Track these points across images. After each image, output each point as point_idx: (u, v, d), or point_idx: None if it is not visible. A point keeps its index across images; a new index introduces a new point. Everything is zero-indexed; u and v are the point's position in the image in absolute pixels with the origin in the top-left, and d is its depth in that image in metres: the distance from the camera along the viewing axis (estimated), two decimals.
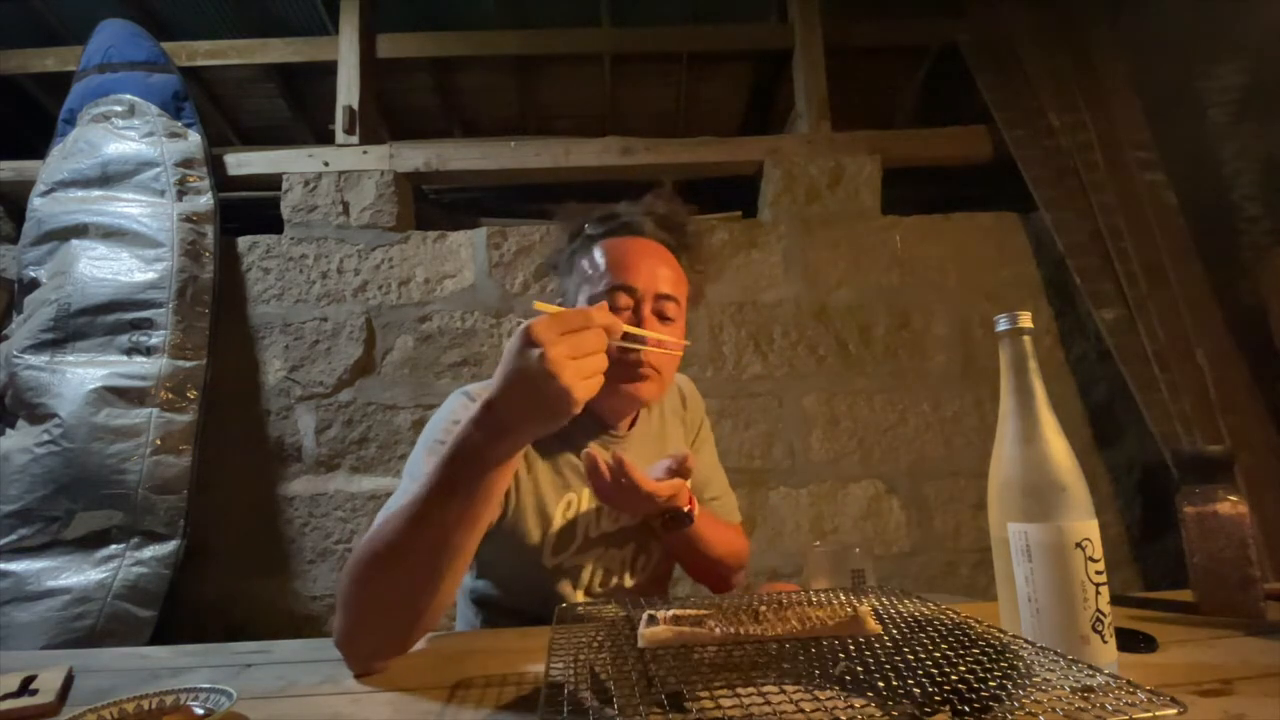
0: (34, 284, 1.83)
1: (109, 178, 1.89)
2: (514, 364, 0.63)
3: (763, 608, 0.63)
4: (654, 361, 0.89)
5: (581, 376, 0.62)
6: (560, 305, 0.90)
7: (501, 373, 0.64)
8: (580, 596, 0.94)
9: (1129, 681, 0.42)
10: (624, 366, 0.88)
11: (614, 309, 0.88)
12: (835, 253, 2.00)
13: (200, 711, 0.57)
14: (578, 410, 0.63)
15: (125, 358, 1.76)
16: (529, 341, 0.61)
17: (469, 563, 0.73)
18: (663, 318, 0.91)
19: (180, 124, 1.97)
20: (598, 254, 0.93)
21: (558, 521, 0.92)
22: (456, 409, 0.90)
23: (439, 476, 0.66)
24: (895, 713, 0.44)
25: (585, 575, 0.94)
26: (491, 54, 2.25)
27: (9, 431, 1.74)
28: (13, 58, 2.18)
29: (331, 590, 1.82)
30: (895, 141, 2.11)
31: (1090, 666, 0.45)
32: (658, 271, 0.92)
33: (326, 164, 2.02)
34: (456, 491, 0.65)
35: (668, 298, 0.91)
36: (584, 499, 0.94)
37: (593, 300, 0.90)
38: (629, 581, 0.98)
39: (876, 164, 2.05)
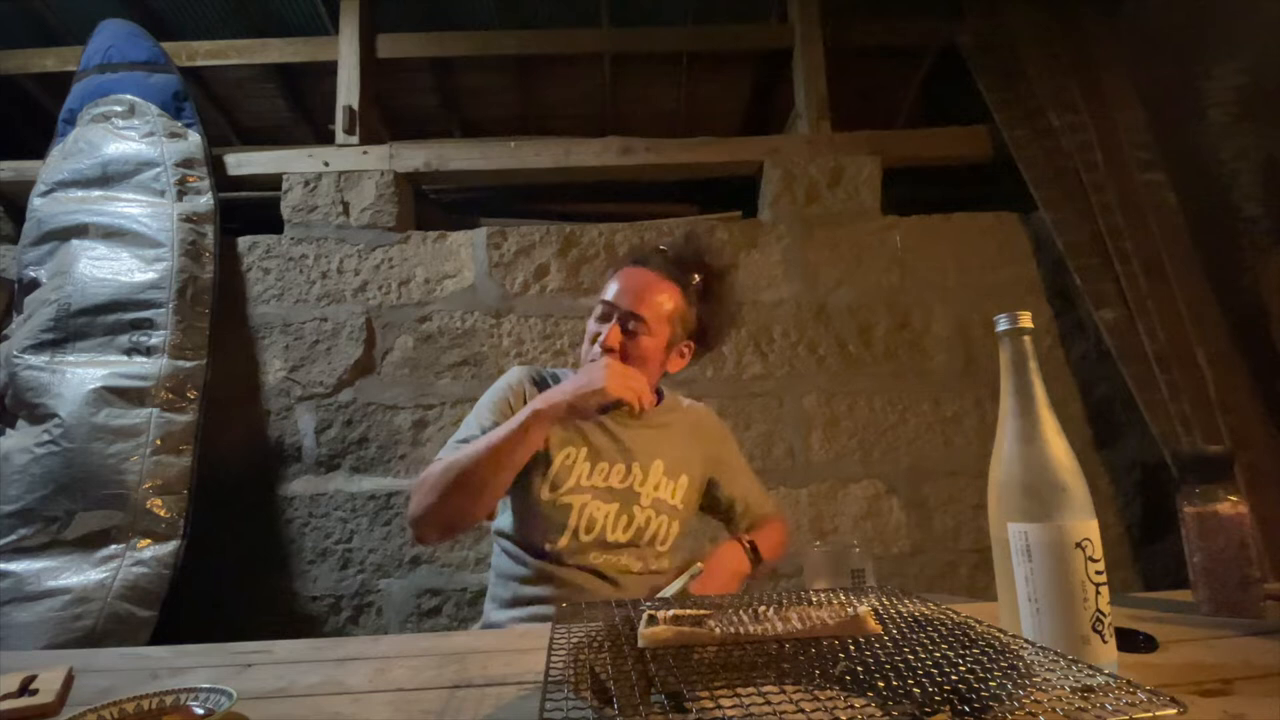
0: (34, 284, 1.82)
1: (109, 178, 1.89)
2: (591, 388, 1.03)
3: (763, 608, 0.63)
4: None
5: (623, 377, 1.03)
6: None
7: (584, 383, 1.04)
8: (567, 539, 1.09)
9: (1129, 681, 0.42)
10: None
11: (599, 318, 1.16)
12: (835, 253, 2.00)
13: (200, 711, 0.57)
14: (604, 393, 1.02)
15: (125, 358, 1.76)
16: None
17: (506, 483, 1.06)
18: (625, 330, 1.12)
19: (180, 124, 1.97)
20: (609, 277, 1.20)
21: (556, 464, 1.12)
22: (513, 379, 1.19)
23: (515, 420, 1.02)
24: (895, 713, 0.44)
25: (573, 516, 1.10)
26: (491, 54, 2.24)
27: (9, 431, 1.74)
28: (13, 58, 2.18)
29: (330, 590, 1.82)
30: (895, 141, 2.11)
31: (1090, 666, 0.45)
32: (635, 294, 1.14)
33: (326, 164, 2.02)
34: (519, 429, 1.01)
35: (636, 317, 1.12)
36: (580, 455, 1.14)
37: (594, 310, 1.17)
38: (611, 536, 1.12)
39: (876, 164, 2.05)
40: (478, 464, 1.01)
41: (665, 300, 1.15)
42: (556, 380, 1.19)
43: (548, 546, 1.10)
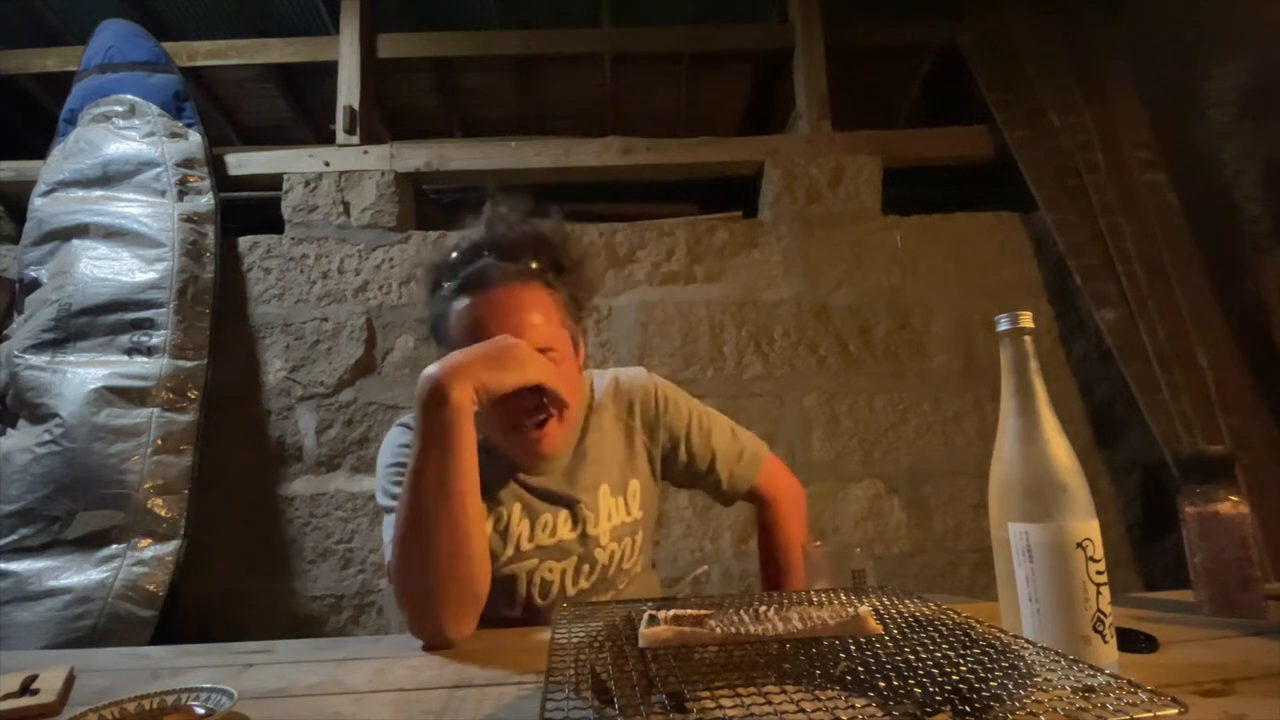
0: (35, 284, 1.83)
1: (110, 178, 1.89)
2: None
3: (763, 608, 0.63)
4: (539, 420, 0.90)
5: (542, 363, 0.85)
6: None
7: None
8: (520, 610, 0.95)
9: (1130, 681, 0.42)
10: (516, 430, 0.90)
11: None
12: (835, 253, 2.00)
13: (201, 711, 0.57)
14: (525, 372, 0.83)
15: (126, 358, 1.76)
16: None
17: (479, 513, 0.82)
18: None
19: (181, 124, 1.97)
20: (456, 322, 0.91)
21: (486, 532, 0.91)
22: (406, 438, 0.94)
23: (419, 430, 0.80)
24: (896, 713, 0.44)
25: (521, 586, 0.94)
26: (491, 54, 2.25)
27: (10, 431, 1.74)
28: (13, 58, 2.18)
29: (331, 590, 1.82)
30: (896, 141, 2.11)
31: (1091, 666, 0.45)
32: (527, 329, 0.89)
33: (327, 164, 2.02)
34: (431, 428, 0.79)
35: (544, 350, 0.89)
36: (514, 514, 0.95)
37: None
38: (573, 589, 0.97)
39: (877, 164, 2.05)
40: (425, 506, 0.78)
41: (543, 314, 0.92)
42: None
43: (505, 614, 0.94)
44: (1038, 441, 0.60)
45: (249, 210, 2.11)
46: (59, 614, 1.57)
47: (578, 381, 0.97)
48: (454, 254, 0.95)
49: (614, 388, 1.06)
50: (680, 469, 1.08)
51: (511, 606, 0.95)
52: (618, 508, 1.00)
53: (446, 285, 0.94)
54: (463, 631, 0.80)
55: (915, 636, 0.55)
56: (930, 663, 0.49)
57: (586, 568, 0.98)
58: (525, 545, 0.95)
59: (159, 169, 1.90)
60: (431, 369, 0.81)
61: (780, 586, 1.10)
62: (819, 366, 1.94)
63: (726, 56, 2.31)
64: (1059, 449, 0.60)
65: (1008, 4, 2.11)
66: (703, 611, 0.61)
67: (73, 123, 1.96)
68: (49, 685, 0.65)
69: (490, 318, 0.89)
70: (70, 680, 0.69)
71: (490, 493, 0.93)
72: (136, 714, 0.57)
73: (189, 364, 1.78)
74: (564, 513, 0.97)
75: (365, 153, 2.04)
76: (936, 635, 0.55)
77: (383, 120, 2.36)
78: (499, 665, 0.70)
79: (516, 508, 0.95)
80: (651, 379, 1.09)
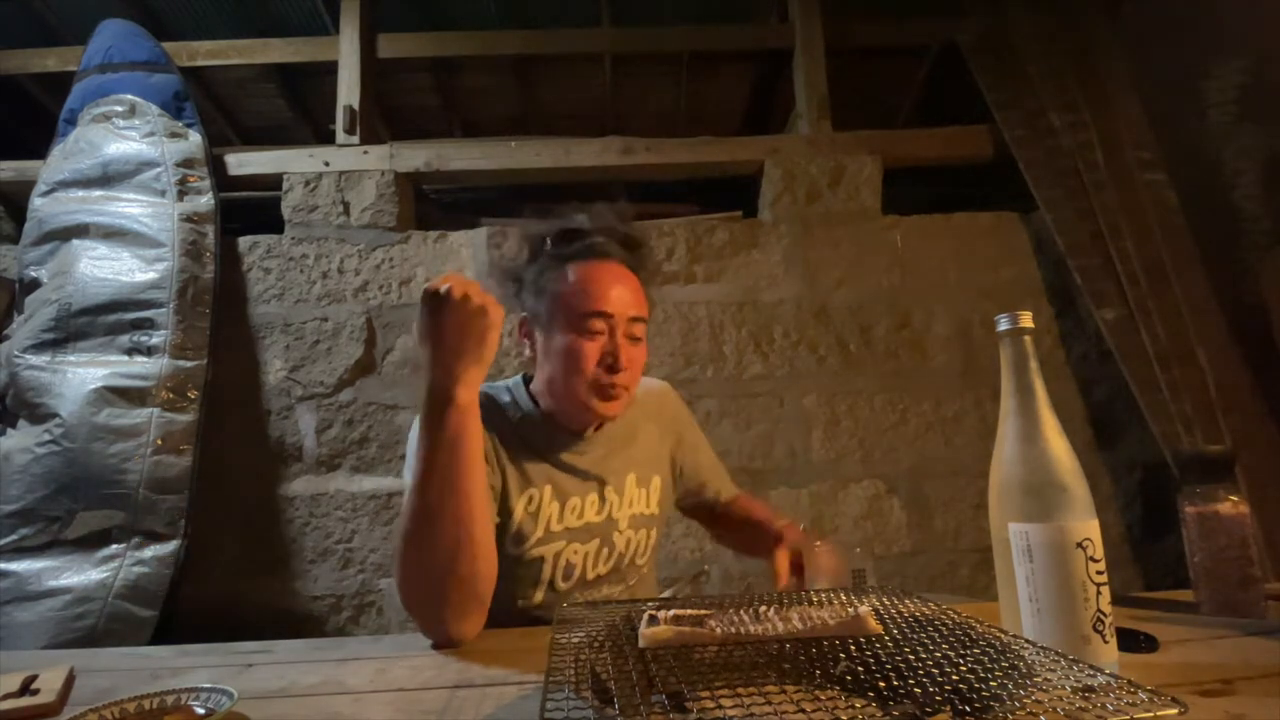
0: (35, 284, 1.83)
1: (110, 178, 1.89)
2: (429, 315, 0.77)
3: (764, 608, 0.63)
4: (624, 382, 0.96)
5: (463, 283, 0.76)
6: (524, 316, 1.02)
7: (425, 326, 0.78)
8: (542, 594, 0.97)
9: (1130, 681, 0.42)
10: (599, 388, 0.94)
11: (590, 334, 0.94)
12: (836, 252, 2.00)
13: (201, 711, 0.57)
14: (495, 326, 0.78)
15: (126, 358, 1.76)
16: (434, 295, 0.76)
17: (485, 513, 0.81)
18: (633, 339, 0.97)
19: (181, 124, 1.97)
20: (570, 278, 0.97)
21: (518, 514, 0.95)
22: None
23: (423, 428, 0.78)
24: (896, 713, 0.44)
25: (546, 569, 0.97)
26: (492, 54, 2.25)
27: (10, 431, 1.74)
28: (13, 58, 2.18)
29: (331, 590, 1.82)
30: (896, 141, 2.11)
31: (1091, 666, 0.45)
32: (627, 297, 0.97)
33: (327, 164, 2.02)
34: (438, 431, 0.77)
35: (637, 319, 0.97)
36: (545, 495, 0.98)
37: (570, 325, 0.94)
38: (592, 573, 1.00)
39: (877, 164, 2.05)
40: (429, 506, 0.77)
41: (641, 291, 1.00)
42: (489, 397, 1.00)
43: (520, 603, 0.96)
44: (1038, 441, 0.60)
45: (249, 210, 2.11)
46: (59, 614, 1.57)
47: (642, 369, 1.02)
48: (565, 227, 1.01)
49: (641, 390, 1.11)
50: (694, 473, 1.16)
51: (535, 591, 0.96)
52: (640, 498, 1.05)
53: (563, 246, 0.99)
54: (467, 630, 0.80)
55: (915, 636, 0.55)
56: (930, 663, 0.49)
57: (606, 551, 1.01)
58: (555, 527, 0.97)
59: (159, 169, 1.90)
60: (435, 374, 0.78)
61: (769, 536, 1.07)
62: (819, 366, 1.94)
63: (726, 56, 2.31)
64: (1059, 449, 0.60)
65: (1008, 4, 2.11)
66: (703, 611, 0.61)
67: (73, 123, 1.96)
68: (49, 685, 0.65)
69: (606, 278, 0.96)
70: (70, 680, 0.69)
71: (524, 474, 0.97)
72: (136, 714, 0.57)
73: (189, 364, 1.78)
74: (591, 495, 1.00)
75: (365, 153, 2.04)
76: (936, 635, 0.55)
77: (383, 120, 2.36)
78: (499, 665, 0.70)
79: (548, 490, 0.98)
80: (668, 387, 1.19)
